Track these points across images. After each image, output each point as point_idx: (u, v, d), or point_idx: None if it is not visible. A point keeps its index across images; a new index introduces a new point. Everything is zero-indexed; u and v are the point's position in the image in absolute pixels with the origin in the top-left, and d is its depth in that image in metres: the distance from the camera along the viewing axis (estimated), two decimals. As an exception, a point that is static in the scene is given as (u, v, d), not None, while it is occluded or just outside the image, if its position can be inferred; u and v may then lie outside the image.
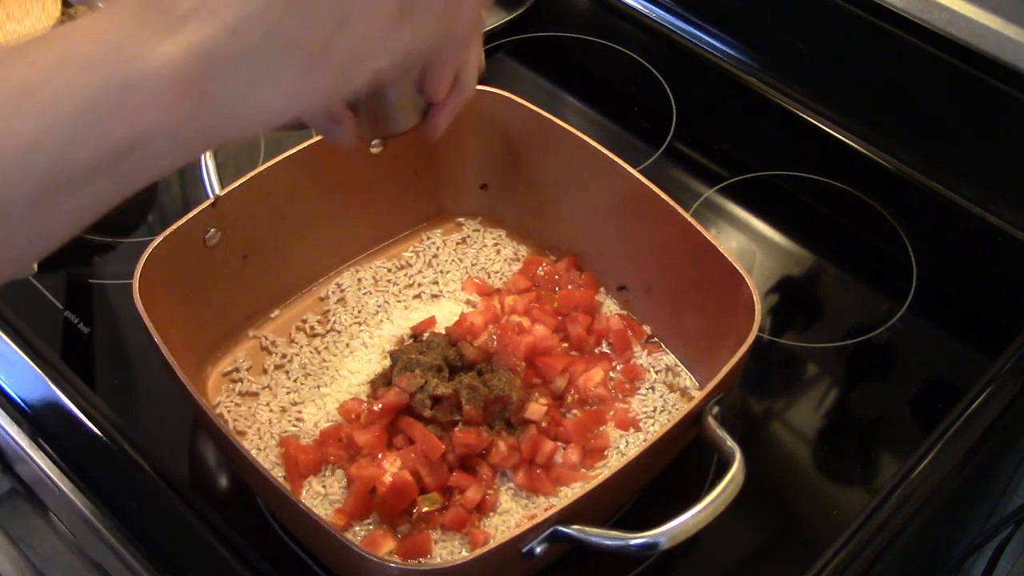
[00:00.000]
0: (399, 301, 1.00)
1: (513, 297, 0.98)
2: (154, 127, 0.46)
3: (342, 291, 1.00)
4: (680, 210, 0.90)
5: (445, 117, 0.67)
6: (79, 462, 0.88)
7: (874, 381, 0.98)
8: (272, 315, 0.98)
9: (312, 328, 0.97)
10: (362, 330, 0.97)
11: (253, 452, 0.86)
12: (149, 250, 0.85)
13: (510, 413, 0.87)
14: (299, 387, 0.93)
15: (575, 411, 0.91)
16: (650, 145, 1.16)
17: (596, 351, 0.96)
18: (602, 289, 1.00)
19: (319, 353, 0.95)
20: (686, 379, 0.94)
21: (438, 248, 1.04)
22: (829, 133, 1.17)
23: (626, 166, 0.93)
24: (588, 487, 0.73)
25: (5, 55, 0.45)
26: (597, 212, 0.98)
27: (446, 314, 0.98)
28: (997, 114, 1.07)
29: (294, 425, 0.90)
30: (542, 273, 1.01)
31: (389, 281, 1.01)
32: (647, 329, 0.97)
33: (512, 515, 0.84)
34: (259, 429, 0.89)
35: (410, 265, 1.03)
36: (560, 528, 0.72)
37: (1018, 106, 1.04)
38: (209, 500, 0.85)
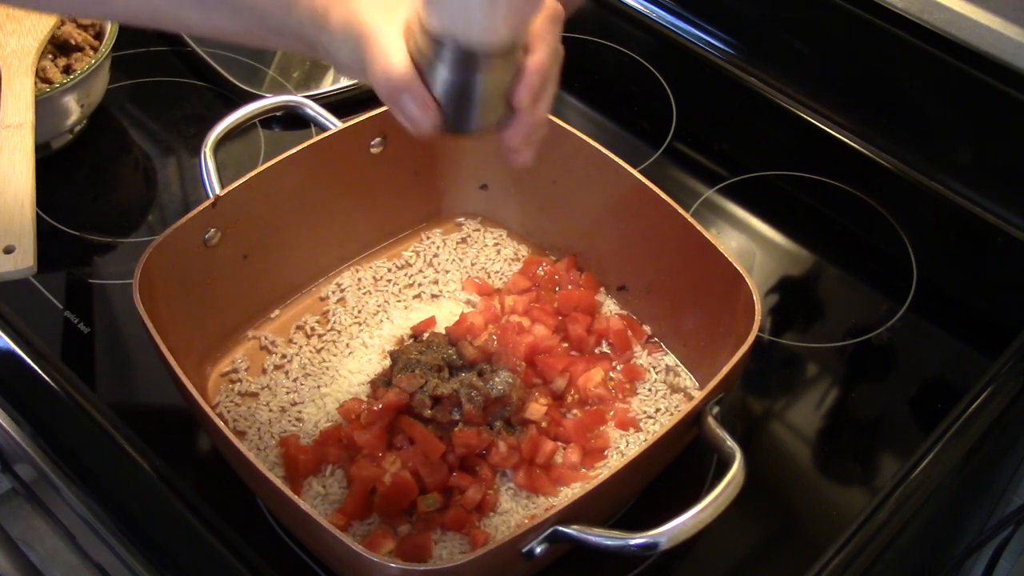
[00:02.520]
0: (399, 301, 1.00)
1: (513, 297, 0.98)
2: None
3: (342, 291, 1.00)
4: (680, 210, 0.90)
5: (521, 133, 0.67)
6: (79, 462, 0.88)
7: (874, 381, 0.98)
8: (272, 315, 0.98)
9: (312, 328, 0.97)
10: (362, 330, 0.97)
11: (253, 452, 0.86)
12: (149, 250, 0.85)
13: (510, 413, 0.87)
14: (299, 387, 0.93)
15: (575, 411, 0.91)
16: (650, 145, 1.16)
17: (596, 351, 0.96)
18: (602, 289, 1.00)
19: (319, 353, 0.95)
20: (686, 379, 0.94)
21: (438, 248, 1.04)
22: (829, 133, 1.17)
23: (626, 166, 0.93)
24: (588, 487, 0.73)
25: None
26: (597, 212, 0.98)
27: (446, 314, 0.98)
28: (997, 114, 1.07)
29: (294, 425, 0.90)
30: (542, 273, 1.01)
31: (389, 281, 1.01)
32: (647, 329, 0.97)
33: (512, 515, 0.84)
34: (259, 429, 0.89)
35: (410, 265, 1.03)
36: (560, 528, 0.72)
37: (1018, 106, 1.04)
38: (209, 500, 0.85)
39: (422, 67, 0.64)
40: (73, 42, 1.10)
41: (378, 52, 0.64)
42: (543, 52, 0.65)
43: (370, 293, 1.00)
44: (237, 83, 1.19)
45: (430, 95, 0.65)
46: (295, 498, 0.72)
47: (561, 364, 0.92)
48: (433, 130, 0.66)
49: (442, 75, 0.64)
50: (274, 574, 0.82)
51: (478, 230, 1.06)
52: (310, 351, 0.95)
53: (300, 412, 0.91)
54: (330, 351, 0.95)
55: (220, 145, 0.92)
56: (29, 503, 1.16)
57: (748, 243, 1.08)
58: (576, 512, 0.72)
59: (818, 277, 1.08)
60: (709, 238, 0.87)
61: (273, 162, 0.93)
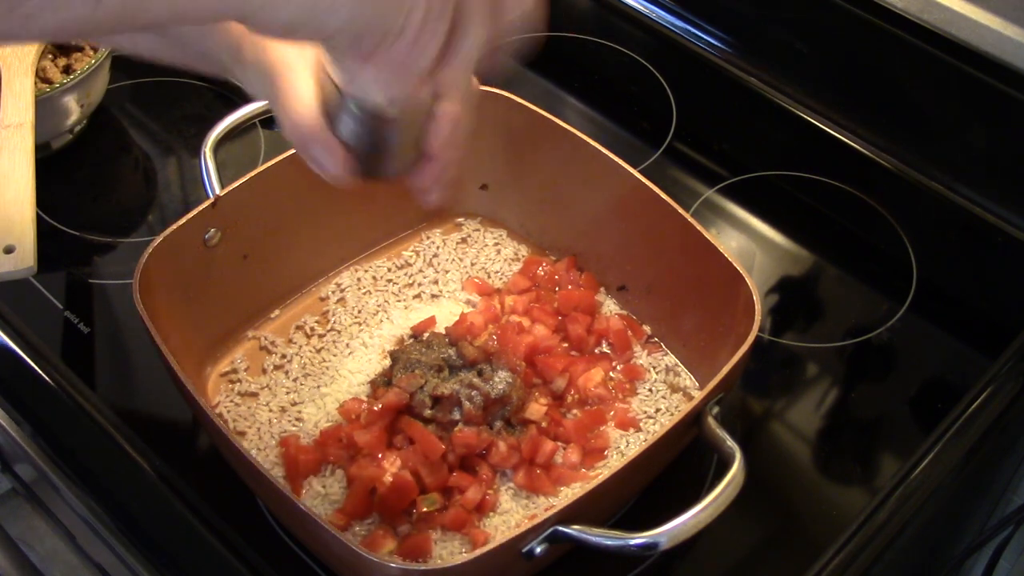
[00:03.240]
0: (399, 301, 1.00)
1: (513, 297, 0.98)
2: None
3: (342, 291, 1.00)
4: (680, 210, 0.90)
5: (431, 177, 0.66)
6: (79, 462, 0.88)
7: (874, 381, 0.98)
8: (272, 315, 0.98)
9: (312, 328, 0.97)
10: (362, 330, 0.97)
11: (253, 452, 0.86)
12: (149, 250, 0.85)
13: (510, 413, 0.87)
14: (299, 387, 0.93)
15: (575, 411, 0.91)
16: (650, 145, 1.16)
17: (596, 351, 0.96)
18: (602, 289, 1.00)
19: (319, 353, 0.95)
20: (686, 379, 0.94)
21: (438, 248, 1.04)
22: (829, 133, 1.17)
23: (626, 166, 0.93)
24: (588, 487, 0.73)
25: None
26: (597, 212, 0.98)
27: (446, 314, 0.98)
28: (997, 114, 1.07)
29: (294, 425, 0.90)
30: (542, 273, 1.01)
31: (389, 281, 1.01)
32: (647, 329, 0.97)
33: (512, 515, 0.84)
34: (259, 429, 0.89)
35: (410, 265, 1.03)
36: (560, 528, 0.72)
37: (1018, 106, 1.04)
38: (209, 500, 0.85)
39: (330, 111, 0.62)
40: (73, 42, 1.10)
41: (287, 96, 0.62)
42: (454, 100, 0.63)
43: (370, 293, 1.00)
44: (237, 83, 1.19)
45: (339, 144, 0.62)
46: (295, 498, 0.73)
47: (561, 364, 0.92)
48: (342, 178, 0.64)
49: (349, 125, 0.62)
50: (274, 574, 0.82)
51: (478, 230, 1.06)
52: (310, 351, 0.95)
53: (300, 412, 0.91)
54: (330, 351, 0.95)
55: (220, 145, 0.92)
56: (29, 503, 1.16)
57: (748, 243, 1.08)
58: (576, 512, 0.72)
59: (818, 277, 1.08)
60: (709, 238, 0.87)
61: (273, 162, 0.93)
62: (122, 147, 1.17)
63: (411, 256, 1.04)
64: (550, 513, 0.71)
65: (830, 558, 0.82)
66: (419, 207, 1.03)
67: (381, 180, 0.66)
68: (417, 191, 0.68)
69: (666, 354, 0.96)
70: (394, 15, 0.52)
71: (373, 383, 0.92)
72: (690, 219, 0.89)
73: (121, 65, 1.19)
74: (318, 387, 0.93)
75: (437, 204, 0.69)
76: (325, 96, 0.62)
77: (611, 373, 0.94)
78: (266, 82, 0.63)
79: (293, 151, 0.93)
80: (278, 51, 0.63)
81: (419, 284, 1.01)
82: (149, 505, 0.85)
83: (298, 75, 0.62)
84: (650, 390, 0.93)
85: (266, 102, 0.66)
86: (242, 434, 0.89)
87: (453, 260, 1.03)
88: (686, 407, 0.79)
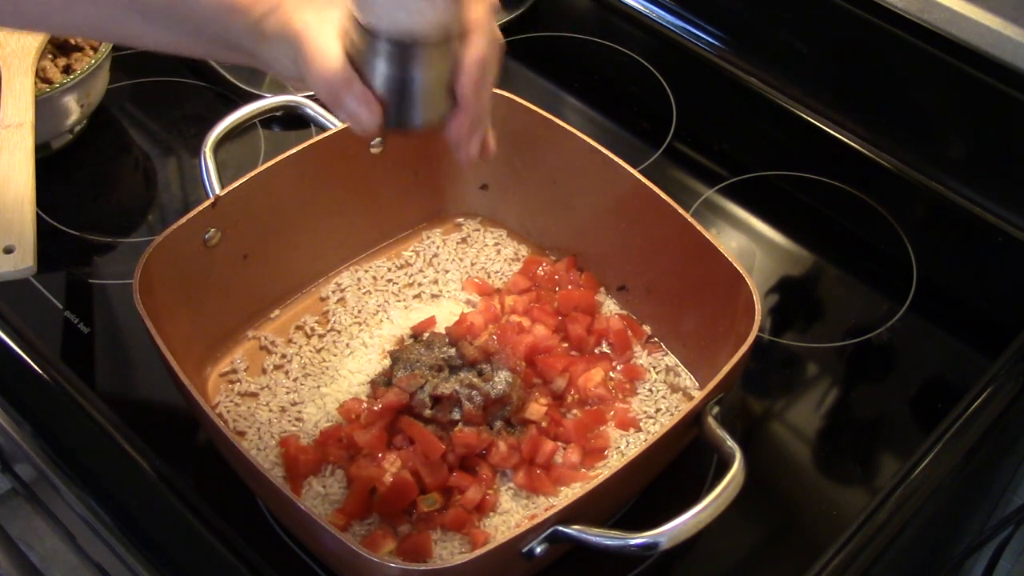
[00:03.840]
0: (399, 301, 1.00)
1: (513, 297, 0.98)
2: None
3: (342, 291, 1.00)
4: (680, 210, 0.90)
5: (465, 125, 0.68)
6: (79, 462, 0.88)
7: (874, 381, 0.98)
8: (272, 315, 0.98)
9: (312, 328, 0.97)
10: (362, 330, 0.97)
11: (253, 452, 0.86)
12: (149, 250, 0.85)
13: (510, 413, 0.87)
14: (299, 387, 0.93)
15: (575, 411, 0.91)
16: (650, 145, 1.16)
17: (596, 351, 0.96)
18: (602, 289, 1.00)
19: (319, 353, 0.95)
20: (686, 379, 0.94)
21: (438, 248, 1.04)
22: (829, 133, 1.17)
23: (626, 166, 0.93)
24: (588, 487, 0.73)
25: None
26: (597, 212, 0.98)
27: (446, 314, 0.98)
28: (997, 114, 1.07)
29: (294, 425, 0.90)
30: (542, 273, 1.01)
31: (389, 280, 1.01)
32: (647, 329, 0.97)
33: (512, 515, 0.84)
34: (259, 429, 0.89)
35: (410, 264, 1.03)
36: (560, 528, 0.72)
37: (1018, 106, 1.04)
38: (209, 500, 0.85)
39: (360, 64, 0.64)
40: (73, 42, 1.10)
41: (314, 52, 0.64)
42: (481, 42, 0.65)
43: (370, 293, 1.00)
44: (237, 83, 1.19)
45: (370, 91, 0.65)
46: (295, 498, 0.73)
47: (561, 364, 0.92)
48: (377, 127, 0.66)
49: (379, 69, 0.64)
50: (274, 574, 0.82)
51: (478, 230, 1.06)
52: (310, 351, 0.95)
53: (300, 412, 0.91)
54: (330, 351, 0.95)
55: (220, 145, 0.92)
56: (29, 503, 1.16)
57: (748, 243, 1.08)
58: (576, 512, 0.72)
59: (818, 277, 1.08)
60: (709, 238, 0.87)
61: (273, 162, 0.93)
62: (122, 147, 1.17)
63: (411, 256, 1.04)
64: (550, 513, 0.71)
65: (830, 558, 0.82)
66: (419, 207, 1.05)
67: (412, 130, 0.67)
68: (453, 145, 0.69)
69: (666, 354, 0.96)
70: None
71: (373, 383, 0.92)
72: (690, 219, 0.89)
73: (121, 65, 1.19)
74: (318, 387, 0.93)
75: (474, 159, 0.70)
76: (353, 50, 0.64)
77: (611, 373, 0.94)
78: (292, 49, 0.65)
79: (293, 151, 0.93)
80: (301, 17, 0.65)
81: (419, 284, 1.01)
82: (149, 505, 0.85)
83: (323, 33, 0.64)
84: (650, 390, 0.93)
85: (287, 76, 0.67)
86: (242, 434, 0.89)
87: (453, 260, 1.03)
88: (686, 407, 0.79)
